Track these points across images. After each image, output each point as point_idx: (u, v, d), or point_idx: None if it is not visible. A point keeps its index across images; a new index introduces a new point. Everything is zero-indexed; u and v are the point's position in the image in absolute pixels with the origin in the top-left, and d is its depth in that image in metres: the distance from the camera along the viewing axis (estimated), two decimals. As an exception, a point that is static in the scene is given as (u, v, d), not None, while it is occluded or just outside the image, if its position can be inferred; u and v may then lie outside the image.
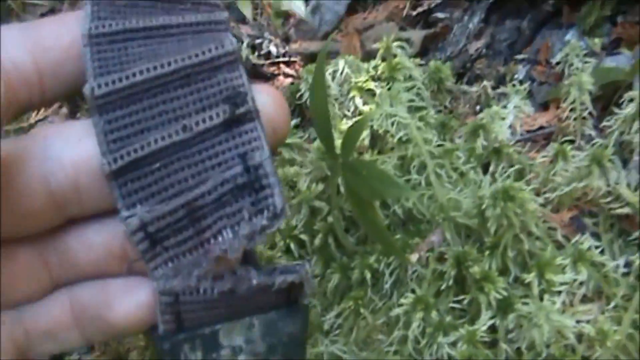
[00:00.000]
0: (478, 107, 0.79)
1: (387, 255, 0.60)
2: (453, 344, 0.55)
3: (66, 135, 0.31)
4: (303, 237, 0.66)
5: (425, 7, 0.92)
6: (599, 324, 0.55)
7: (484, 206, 0.58)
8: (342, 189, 0.58)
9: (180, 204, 0.30)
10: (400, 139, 0.66)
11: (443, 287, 0.59)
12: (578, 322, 0.55)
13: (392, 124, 0.66)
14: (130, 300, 0.32)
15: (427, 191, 0.63)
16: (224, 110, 0.30)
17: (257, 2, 0.98)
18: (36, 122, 0.95)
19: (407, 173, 0.66)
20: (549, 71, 0.81)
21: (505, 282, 0.57)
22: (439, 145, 0.67)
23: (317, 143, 0.67)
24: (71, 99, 0.94)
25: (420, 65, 0.76)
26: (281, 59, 0.95)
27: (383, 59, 0.76)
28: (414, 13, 0.93)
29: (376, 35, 0.88)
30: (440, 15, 0.91)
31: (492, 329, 0.56)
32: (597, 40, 0.80)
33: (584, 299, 0.58)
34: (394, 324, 0.59)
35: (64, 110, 0.97)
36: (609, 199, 0.61)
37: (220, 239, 0.30)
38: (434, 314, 0.57)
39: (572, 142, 0.68)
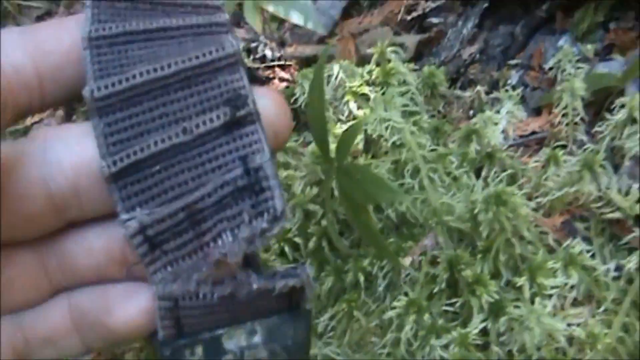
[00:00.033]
0: (471, 112, 0.79)
1: (380, 259, 0.61)
2: (445, 347, 0.56)
3: (66, 138, 0.30)
4: (297, 240, 0.66)
5: (419, 11, 0.93)
6: (590, 327, 0.56)
7: (476, 210, 0.58)
8: (336, 193, 0.58)
9: (180, 206, 0.29)
10: (394, 143, 0.67)
11: (436, 290, 0.59)
12: (569, 325, 0.56)
13: (386, 128, 0.67)
14: (130, 306, 0.31)
15: (421, 195, 0.63)
16: (224, 112, 0.30)
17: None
18: (32, 124, 0.95)
19: (400, 177, 0.66)
20: (542, 76, 0.81)
21: (497, 286, 0.57)
22: (432, 150, 0.67)
23: (311, 147, 0.67)
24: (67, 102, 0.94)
25: (414, 70, 0.77)
26: (276, 63, 0.95)
27: (377, 64, 0.76)
28: (409, 18, 0.93)
29: (371, 40, 0.89)
30: (434, 20, 0.92)
31: (484, 332, 0.57)
32: (589, 46, 0.80)
33: (575, 303, 0.58)
34: (387, 327, 0.59)
35: (60, 112, 0.97)
36: (600, 204, 0.62)
37: (220, 242, 0.30)
38: (426, 316, 0.57)
39: (564, 147, 0.69)
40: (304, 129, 0.78)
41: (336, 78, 0.75)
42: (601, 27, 0.82)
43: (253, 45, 0.96)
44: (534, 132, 0.75)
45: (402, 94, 0.73)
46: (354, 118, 0.73)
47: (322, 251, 0.65)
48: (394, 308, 0.58)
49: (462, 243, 0.62)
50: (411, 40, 0.89)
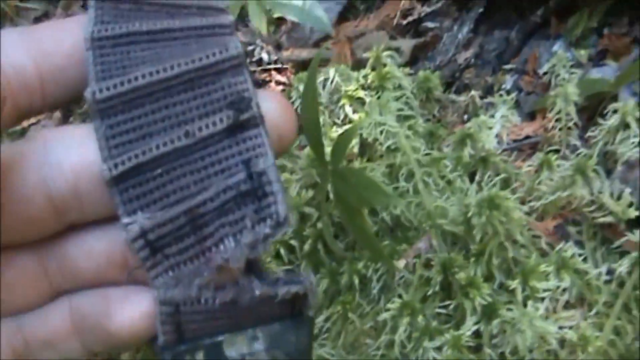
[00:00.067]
0: (466, 117, 0.79)
1: (375, 261, 0.61)
2: (438, 349, 0.56)
3: (66, 140, 0.30)
4: (293, 242, 0.66)
5: (415, 16, 0.93)
6: (581, 330, 0.56)
7: (470, 214, 0.59)
8: (331, 196, 0.58)
9: (182, 211, 0.29)
10: (389, 147, 0.67)
11: (429, 292, 0.60)
12: (561, 328, 0.56)
13: (381, 132, 0.67)
14: (130, 310, 0.31)
15: (415, 199, 0.64)
16: (227, 115, 0.29)
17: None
18: (29, 125, 0.95)
19: (395, 181, 0.66)
20: (536, 81, 0.81)
21: (490, 289, 0.58)
22: (426, 154, 0.68)
23: (307, 150, 0.68)
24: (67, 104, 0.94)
25: (410, 74, 0.77)
26: (273, 66, 0.95)
27: (373, 68, 0.77)
28: (405, 22, 0.93)
29: (367, 44, 0.89)
30: (430, 24, 0.92)
31: (477, 334, 0.57)
32: (583, 51, 0.81)
33: (567, 306, 0.59)
34: (381, 329, 0.59)
35: (57, 114, 0.97)
36: (592, 208, 0.62)
37: (222, 247, 0.29)
38: (420, 318, 0.57)
39: (557, 151, 0.69)
40: (299, 132, 0.79)
41: (332, 82, 0.75)
42: (595, 33, 0.82)
43: (250, 48, 0.96)
44: (527, 137, 0.75)
45: (397, 98, 0.74)
46: (350, 122, 0.74)
47: (317, 253, 0.66)
48: (388, 310, 0.59)
49: (455, 246, 0.62)
50: (407, 44, 0.89)
